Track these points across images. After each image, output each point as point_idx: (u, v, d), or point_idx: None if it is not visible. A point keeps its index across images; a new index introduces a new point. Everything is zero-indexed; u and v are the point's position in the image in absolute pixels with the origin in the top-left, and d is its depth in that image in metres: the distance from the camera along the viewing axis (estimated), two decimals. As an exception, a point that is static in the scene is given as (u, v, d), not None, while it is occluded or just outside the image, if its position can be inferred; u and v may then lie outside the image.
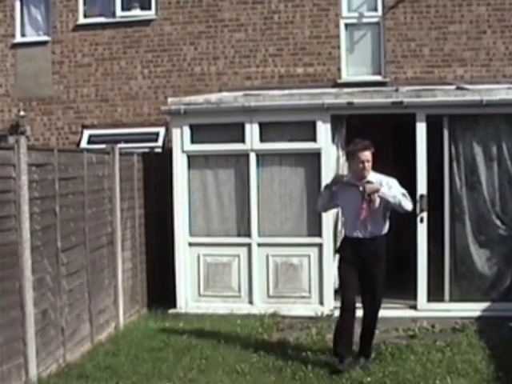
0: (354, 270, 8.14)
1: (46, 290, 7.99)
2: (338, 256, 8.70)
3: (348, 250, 8.28)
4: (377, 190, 7.99)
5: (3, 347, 7.03)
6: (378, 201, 8.05)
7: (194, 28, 15.19)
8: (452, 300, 10.53)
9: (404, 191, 8.15)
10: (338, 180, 8.52)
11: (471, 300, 10.61)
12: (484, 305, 10.60)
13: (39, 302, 7.77)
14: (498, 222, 10.75)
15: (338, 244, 9.11)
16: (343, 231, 8.82)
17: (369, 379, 7.64)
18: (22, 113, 15.81)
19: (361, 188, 8.01)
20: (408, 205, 8.09)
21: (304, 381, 7.81)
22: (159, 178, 11.89)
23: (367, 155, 8.06)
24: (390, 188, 8.07)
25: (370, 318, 8.31)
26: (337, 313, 10.59)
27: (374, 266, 8.14)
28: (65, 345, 8.43)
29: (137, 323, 10.66)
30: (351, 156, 8.25)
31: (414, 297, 10.83)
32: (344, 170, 11.29)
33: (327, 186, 8.53)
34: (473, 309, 10.44)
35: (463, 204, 10.70)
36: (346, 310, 8.17)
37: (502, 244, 10.77)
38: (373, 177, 8.17)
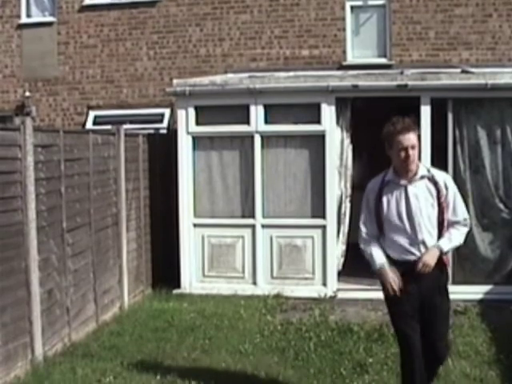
0: (408, 303, 5.92)
1: (51, 270, 8.05)
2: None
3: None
4: (437, 257, 5.85)
5: (10, 326, 7.11)
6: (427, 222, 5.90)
7: (199, 9, 15.19)
8: (455, 283, 10.54)
9: (463, 210, 6.09)
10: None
11: (474, 283, 10.65)
12: (486, 288, 10.65)
13: (45, 281, 7.84)
14: (502, 206, 10.77)
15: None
16: (386, 251, 6.04)
17: (371, 360, 7.68)
18: (27, 94, 15.84)
19: (419, 267, 5.76)
20: (462, 240, 6.12)
21: (307, 361, 7.85)
22: (164, 159, 11.92)
23: (411, 139, 5.77)
24: (447, 193, 5.92)
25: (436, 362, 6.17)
26: (340, 294, 10.74)
27: (435, 294, 5.95)
28: (70, 324, 8.50)
29: (141, 303, 10.73)
30: (388, 141, 5.86)
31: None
32: (348, 153, 11.33)
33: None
34: (475, 292, 10.47)
35: (467, 187, 10.71)
36: (411, 347, 5.93)
37: (505, 227, 10.81)
38: (422, 171, 5.94)
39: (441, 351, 6.03)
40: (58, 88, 15.82)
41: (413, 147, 5.78)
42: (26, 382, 7.16)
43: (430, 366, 5.99)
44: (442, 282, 6.01)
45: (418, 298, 5.88)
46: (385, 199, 5.95)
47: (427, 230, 5.86)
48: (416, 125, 6.01)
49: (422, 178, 5.90)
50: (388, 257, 6.02)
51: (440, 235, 5.91)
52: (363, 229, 6.14)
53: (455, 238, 5.95)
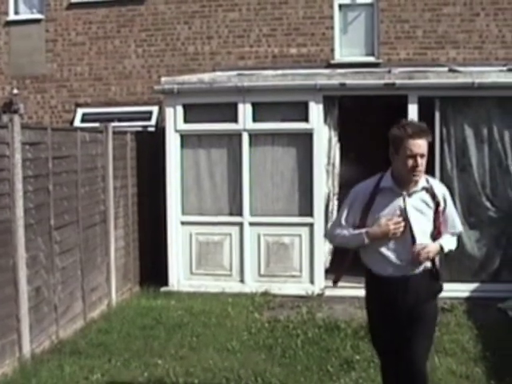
0: (390, 323, 5.37)
1: (39, 268, 8.05)
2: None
3: (384, 297, 5.34)
4: (436, 251, 5.34)
5: (-3, 323, 7.12)
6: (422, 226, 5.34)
7: (187, 7, 15.18)
8: (441, 280, 10.62)
9: (459, 224, 5.62)
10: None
11: (460, 280, 10.68)
12: (473, 285, 10.71)
13: (32, 279, 7.84)
14: (488, 204, 10.83)
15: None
16: (370, 266, 5.44)
17: (358, 357, 7.72)
18: (15, 91, 15.81)
19: (416, 249, 5.19)
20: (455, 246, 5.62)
21: (294, 359, 7.89)
22: (152, 156, 11.93)
23: (422, 146, 5.16)
24: (445, 209, 5.42)
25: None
26: (327, 292, 10.77)
27: (423, 313, 5.33)
28: (58, 322, 8.51)
29: (129, 301, 10.74)
30: (395, 145, 5.22)
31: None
32: (336, 151, 11.36)
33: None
34: (462, 289, 10.52)
35: (454, 186, 10.76)
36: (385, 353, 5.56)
37: (491, 226, 10.87)
38: (424, 182, 5.38)
39: (416, 377, 5.21)
40: (46, 85, 15.79)
41: (422, 156, 5.15)
42: (13, 380, 7.15)
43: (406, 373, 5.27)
44: (433, 292, 5.40)
45: (401, 320, 5.27)
46: (377, 207, 5.30)
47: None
48: (429, 131, 5.33)
49: (422, 189, 5.31)
50: (370, 274, 5.42)
51: None
52: (337, 225, 5.53)
53: (452, 242, 5.50)
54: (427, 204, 5.32)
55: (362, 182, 5.48)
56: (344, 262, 5.65)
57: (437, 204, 5.33)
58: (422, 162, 5.18)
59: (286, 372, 7.44)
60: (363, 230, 5.29)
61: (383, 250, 5.29)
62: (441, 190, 5.45)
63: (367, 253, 5.42)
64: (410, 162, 5.13)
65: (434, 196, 5.33)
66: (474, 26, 14.24)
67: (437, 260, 5.50)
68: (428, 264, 5.31)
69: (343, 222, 5.46)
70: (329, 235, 5.81)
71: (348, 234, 5.41)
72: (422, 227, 5.29)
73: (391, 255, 5.28)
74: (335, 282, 5.81)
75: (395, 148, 5.22)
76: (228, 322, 9.44)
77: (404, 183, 5.28)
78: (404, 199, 5.27)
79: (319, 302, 10.52)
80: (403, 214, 5.24)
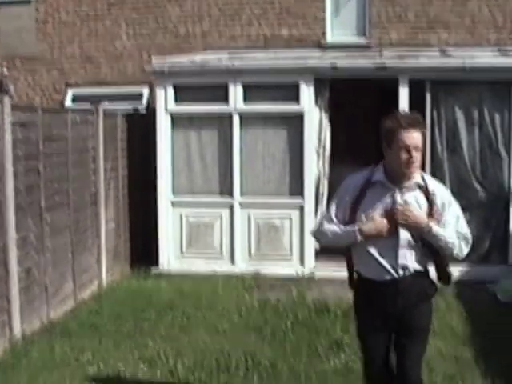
0: (383, 337, 5.11)
1: (29, 249, 8.06)
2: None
3: (372, 303, 5.02)
4: (420, 225, 4.82)
5: (-13, 304, 7.13)
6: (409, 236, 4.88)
7: (179, -13, 15.11)
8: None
9: (466, 231, 5.01)
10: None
11: (450, 263, 10.69)
12: (463, 268, 10.72)
13: (23, 260, 7.85)
14: (478, 186, 10.87)
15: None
16: (359, 268, 5.11)
17: (347, 339, 7.74)
18: (5, 71, 15.72)
19: (400, 201, 4.83)
20: (464, 250, 5.02)
21: (284, 340, 7.93)
22: (143, 138, 11.92)
23: (416, 137, 4.77)
24: (445, 210, 4.92)
25: None
26: (317, 273, 10.80)
27: (416, 320, 5.02)
28: (48, 303, 8.52)
29: (119, 282, 10.76)
30: (387, 138, 4.85)
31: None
32: (327, 133, 11.37)
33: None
34: (451, 272, 10.52)
35: (444, 168, 10.80)
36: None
37: (481, 208, 10.89)
38: (419, 178, 4.94)
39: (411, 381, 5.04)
40: (36, 66, 15.70)
41: (416, 148, 4.75)
42: (4, 360, 7.19)
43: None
44: (426, 296, 5.04)
45: (391, 326, 5.02)
46: (367, 203, 4.92)
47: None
48: (423, 122, 4.99)
49: (415, 186, 4.90)
50: (359, 278, 5.09)
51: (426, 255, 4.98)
52: (327, 220, 5.09)
53: (450, 235, 4.88)
54: (418, 203, 4.88)
55: (353, 174, 5.09)
56: (350, 263, 5.18)
57: (430, 203, 4.87)
58: (417, 156, 4.77)
59: (275, 353, 7.48)
60: (356, 227, 4.87)
61: (372, 250, 4.90)
62: (440, 192, 4.95)
63: (356, 253, 5.05)
64: (404, 155, 4.74)
65: (427, 195, 4.89)
66: (465, 8, 14.19)
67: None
68: (418, 266, 4.90)
69: (333, 217, 5.03)
70: (317, 232, 5.21)
71: (338, 231, 4.97)
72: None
73: (380, 256, 4.88)
74: (350, 286, 5.26)
75: (387, 141, 4.84)
76: (218, 303, 9.47)
77: (397, 178, 4.87)
78: (395, 195, 4.85)
79: (309, 283, 10.56)
80: (394, 211, 4.82)
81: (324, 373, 6.87)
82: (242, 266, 11.25)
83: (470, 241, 5.02)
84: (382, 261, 4.87)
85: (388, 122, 4.86)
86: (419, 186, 4.90)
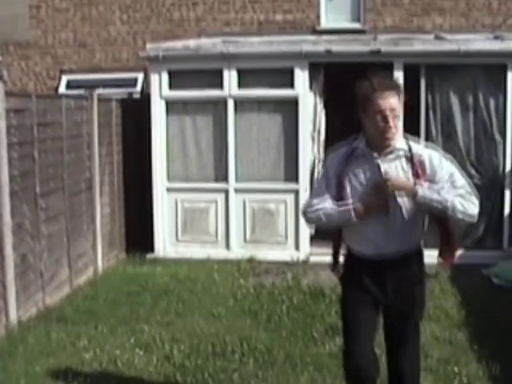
0: (370, 312, 4.78)
1: (24, 235, 8.06)
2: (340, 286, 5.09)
3: (360, 278, 4.76)
4: (409, 190, 4.55)
5: (-17, 290, 7.14)
6: (406, 203, 4.60)
7: (173, -27, 15.06)
8: (426, 247, 10.65)
9: (463, 183, 4.66)
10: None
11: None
12: (457, 252, 10.73)
13: (18, 246, 7.85)
14: (473, 171, 10.87)
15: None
16: (348, 244, 4.94)
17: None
18: (-1, 57, 15.69)
19: (383, 171, 4.59)
20: (471, 209, 4.61)
21: (279, 324, 7.95)
22: (137, 123, 11.90)
23: (392, 100, 4.50)
24: (436, 171, 4.60)
25: None
26: (312, 258, 10.82)
27: (408, 304, 4.75)
28: (44, 289, 8.53)
29: (115, 268, 10.77)
30: (362, 102, 4.62)
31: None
32: (321, 118, 11.37)
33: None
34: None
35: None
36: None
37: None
38: (402, 144, 4.67)
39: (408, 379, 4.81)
40: (30, 52, 15.66)
41: (393, 111, 4.48)
42: (0, 347, 7.19)
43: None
44: (419, 279, 4.81)
45: (381, 305, 4.78)
46: (352, 176, 4.66)
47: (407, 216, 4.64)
48: (398, 84, 4.67)
49: (398, 153, 4.62)
50: (350, 254, 4.88)
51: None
52: (316, 197, 4.83)
53: (445, 196, 4.51)
54: (403, 169, 4.61)
55: (336, 150, 4.89)
56: (336, 246, 5.09)
57: (417, 167, 4.59)
58: (394, 120, 4.49)
59: (271, 337, 7.50)
60: (350, 206, 4.61)
61: (364, 227, 4.66)
62: (426, 153, 4.66)
63: (348, 229, 4.82)
64: (380, 120, 4.49)
65: (413, 159, 4.60)
66: (460, -8, 14.20)
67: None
68: (410, 246, 4.70)
69: (324, 194, 4.74)
70: (306, 210, 4.87)
71: (330, 209, 4.67)
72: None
73: (372, 233, 4.64)
74: (332, 270, 5.16)
75: (362, 106, 4.59)
76: (214, 288, 9.49)
77: (377, 146, 4.60)
78: (379, 164, 4.59)
79: (304, 268, 10.58)
80: (378, 182, 4.56)
81: (319, 357, 6.89)
82: (237, 251, 11.27)
83: (475, 194, 4.63)
84: (374, 238, 4.63)
85: (361, 87, 4.61)
86: (403, 152, 4.62)
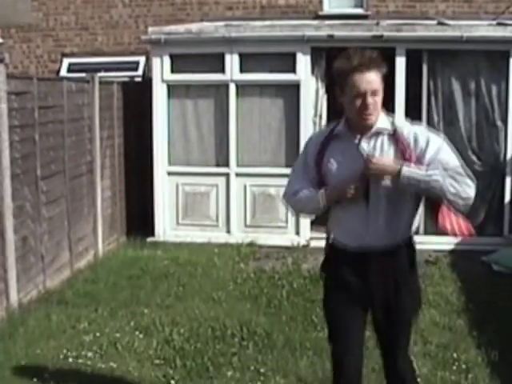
0: (354, 311, 4.39)
1: (25, 218, 8.07)
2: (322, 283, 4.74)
3: (343, 273, 4.37)
4: (391, 170, 4.08)
5: (-16, 272, 7.15)
6: (388, 184, 4.14)
7: (175, -44, 15.01)
8: (426, 233, 10.66)
9: (455, 163, 4.16)
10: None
11: (445, 233, 10.69)
12: (457, 238, 10.76)
13: (19, 229, 7.86)
14: (474, 158, 10.86)
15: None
16: (333, 235, 4.49)
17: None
18: (0, 40, 15.64)
19: (363, 152, 4.17)
20: (465, 191, 4.21)
21: (279, 309, 7.97)
22: (139, 107, 11.89)
23: (372, 81, 4.06)
24: (423, 149, 4.12)
25: None
26: (313, 243, 10.82)
27: (397, 300, 4.27)
28: (45, 271, 8.55)
29: (115, 251, 10.79)
30: (340, 82, 4.16)
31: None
32: (323, 103, 11.35)
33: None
34: (446, 242, 10.54)
35: (440, 139, 10.78)
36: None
37: (477, 180, 10.80)
38: (384, 123, 4.22)
39: (402, 372, 4.42)
40: (31, 35, 15.62)
41: (374, 93, 4.06)
42: (1, 329, 7.22)
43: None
44: (407, 274, 4.32)
45: (369, 299, 4.34)
46: (332, 159, 4.24)
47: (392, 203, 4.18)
48: (381, 60, 4.18)
49: (379, 132, 4.19)
50: (332, 246, 4.46)
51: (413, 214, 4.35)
52: (295, 182, 4.44)
53: (436, 175, 4.06)
54: (385, 149, 4.18)
55: (317, 131, 4.37)
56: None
57: (401, 150, 4.15)
58: (375, 101, 4.08)
59: (271, 322, 7.51)
60: (321, 191, 4.24)
61: (344, 215, 4.28)
62: (412, 130, 4.21)
63: (331, 217, 4.41)
64: (359, 103, 4.04)
65: (397, 139, 4.17)
66: (463, -22, 14.14)
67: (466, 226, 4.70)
68: (395, 236, 4.21)
69: (301, 177, 4.40)
70: (287, 196, 4.52)
71: (303, 195, 4.34)
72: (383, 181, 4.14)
73: (352, 223, 4.24)
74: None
75: (340, 85, 4.13)
76: (214, 272, 9.51)
77: (356, 127, 4.19)
78: (357, 146, 4.19)
79: (304, 252, 10.59)
80: (358, 163, 4.13)
81: (319, 341, 6.88)
82: (238, 235, 11.27)
83: (470, 175, 4.19)
84: (355, 228, 4.21)
85: (338, 63, 4.16)
86: (387, 133, 4.19)
